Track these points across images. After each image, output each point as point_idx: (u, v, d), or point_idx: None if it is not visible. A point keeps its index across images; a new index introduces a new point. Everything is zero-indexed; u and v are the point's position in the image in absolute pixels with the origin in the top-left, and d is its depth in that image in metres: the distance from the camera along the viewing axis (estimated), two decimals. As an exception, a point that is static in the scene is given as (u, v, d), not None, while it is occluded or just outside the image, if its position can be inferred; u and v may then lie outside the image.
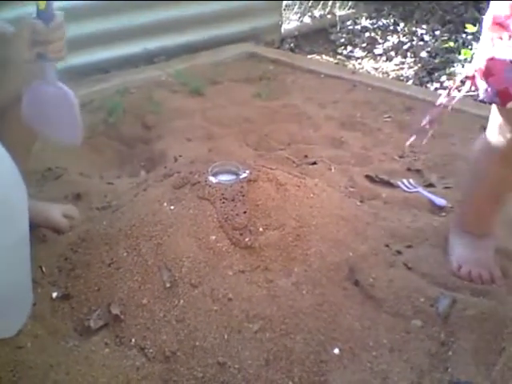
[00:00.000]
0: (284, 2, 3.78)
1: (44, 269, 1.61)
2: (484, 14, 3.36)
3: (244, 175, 1.60)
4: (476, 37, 3.33)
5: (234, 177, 1.62)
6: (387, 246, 1.65)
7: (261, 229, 1.47)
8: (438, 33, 3.77)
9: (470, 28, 3.26)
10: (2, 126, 1.71)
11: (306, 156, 2.19)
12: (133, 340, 1.37)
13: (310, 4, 3.96)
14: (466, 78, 1.45)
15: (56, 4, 2.94)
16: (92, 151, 2.40)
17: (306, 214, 1.57)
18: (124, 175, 2.25)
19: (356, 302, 1.45)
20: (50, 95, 1.45)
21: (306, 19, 3.97)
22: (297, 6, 3.92)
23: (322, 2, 4.01)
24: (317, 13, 4.02)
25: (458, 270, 1.56)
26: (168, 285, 1.43)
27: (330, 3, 4.03)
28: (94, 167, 2.28)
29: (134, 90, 2.80)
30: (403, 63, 3.53)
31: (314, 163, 2.12)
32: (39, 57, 1.35)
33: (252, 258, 1.45)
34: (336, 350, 1.34)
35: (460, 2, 4.07)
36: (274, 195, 1.56)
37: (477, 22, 3.46)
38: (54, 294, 1.52)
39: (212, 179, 1.59)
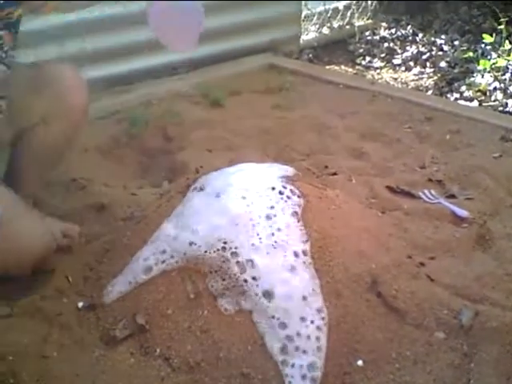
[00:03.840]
0: (303, 13, 3.80)
1: (70, 279, 1.64)
2: (502, 24, 3.36)
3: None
4: (494, 47, 3.32)
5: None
6: (410, 257, 1.65)
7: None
8: (456, 43, 3.76)
9: (488, 38, 3.25)
10: (21, 147, 1.75)
11: (326, 167, 2.21)
12: (158, 350, 1.39)
13: (328, 15, 3.98)
14: None
15: (81, 16, 3.00)
16: (115, 162, 2.45)
17: (327, 225, 1.57)
18: (147, 185, 2.28)
19: (379, 313, 1.45)
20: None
21: (325, 30, 3.99)
22: (316, 17, 3.94)
23: (340, 13, 4.03)
24: (335, 24, 4.04)
25: None
26: (192, 296, 1.44)
27: (348, 14, 4.05)
28: (117, 178, 2.32)
29: (156, 101, 2.85)
30: (422, 73, 3.53)
31: (335, 174, 2.13)
32: None
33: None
34: (359, 362, 1.35)
35: (479, 12, 4.06)
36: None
37: (495, 31, 3.46)
38: (80, 304, 1.55)
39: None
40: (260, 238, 1.46)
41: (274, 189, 1.56)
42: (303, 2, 3.76)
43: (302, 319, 1.37)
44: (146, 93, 2.95)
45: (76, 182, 2.15)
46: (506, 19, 3.31)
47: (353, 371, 1.33)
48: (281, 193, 1.55)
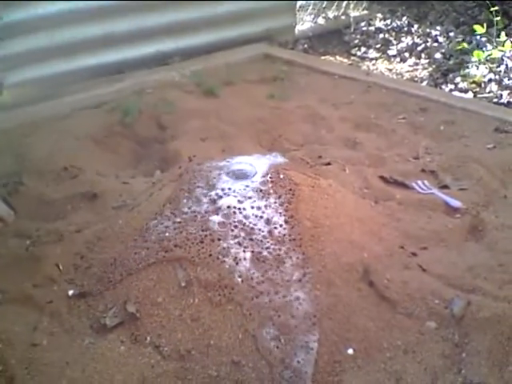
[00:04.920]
0: (298, 3, 3.78)
1: (60, 267, 1.63)
2: (497, 16, 3.34)
3: (257, 176, 1.60)
4: (489, 39, 3.31)
5: (247, 177, 1.63)
6: (402, 247, 1.65)
7: (276, 231, 1.48)
8: (452, 34, 3.75)
9: (479, 29, 3.23)
10: None
11: (320, 157, 2.19)
12: (148, 338, 1.38)
13: (323, 5, 3.96)
14: None
15: (72, 4, 2.99)
16: (108, 150, 2.43)
17: (320, 214, 1.57)
18: (139, 174, 2.27)
19: (370, 302, 1.45)
20: None
21: (320, 20, 3.97)
22: (311, 7, 3.92)
23: (336, 3, 4.01)
24: (331, 14, 4.02)
25: None
26: (183, 284, 1.44)
27: (343, 4, 4.02)
28: (110, 166, 2.30)
29: (149, 90, 2.82)
30: (417, 64, 3.52)
31: (328, 164, 2.12)
32: None
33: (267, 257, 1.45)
34: (350, 351, 1.35)
35: (474, 4, 4.05)
36: (288, 196, 1.56)
37: (490, 23, 3.45)
38: (71, 292, 1.54)
39: (228, 179, 1.60)
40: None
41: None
42: (298, -8, 3.74)
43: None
44: (138, 82, 2.92)
45: (68, 171, 2.14)
46: (501, 11, 3.28)
47: (343, 359, 1.33)
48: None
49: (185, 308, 1.41)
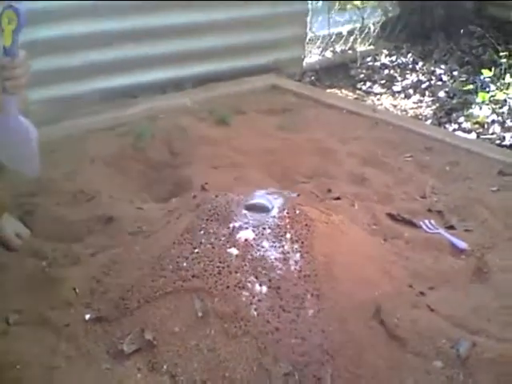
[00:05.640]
0: (307, 37, 3.87)
1: (77, 290, 1.66)
2: (502, 57, 3.44)
3: (275, 211, 1.66)
4: (493, 79, 3.41)
5: (264, 212, 1.68)
6: (410, 286, 1.70)
7: (292, 266, 1.53)
8: (456, 73, 3.86)
9: (486, 73, 3.34)
10: None
11: (329, 190, 2.25)
12: (165, 366, 1.41)
13: (332, 39, 4.06)
14: None
15: (86, 28, 3.06)
16: (120, 174, 2.47)
17: (334, 251, 1.62)
18: (150, 199, 2.31)
19: (381, 341, 1.49)
20: (11, 128, 1.54)
21: (328, 54, 4.07)
22: (319, 41, 4.02)
23: (344, 38, 4.11)
24: (338, 48, 4.12)
25: None
26: (200, 314, 1.48)
27: (351, 39, 4.13)
28: (123, 190, 2.34)
29: (161, 115, 2.88)
30: (421, 102, 3.62)
31: (338, 198, 2.18)
32: (4, 90, 1.44)
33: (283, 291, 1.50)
34: (362, 388, 1.39)
35: (478, 43, 4.17)
36: (304, 232, 1.62)
37: (494, 63, 3.56)
38: (87, 316, 1.57)
39: (245, 213, 1.65)
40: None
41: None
42: (308, 26, 3.83)
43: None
44: (151, 107, 2.98)
45: (83, 193, 2.18)
46: (506, 53, 3.39)
47: (355, 396, 1.37)
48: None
49: (201, 338, 1.44)
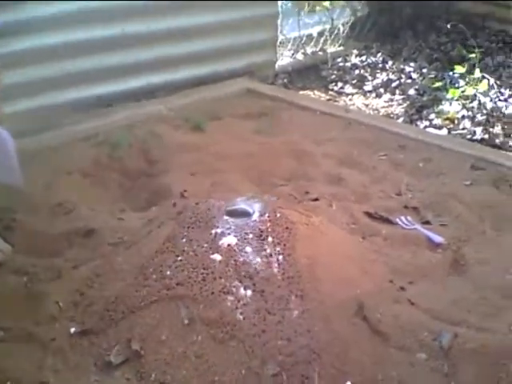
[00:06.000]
0: (279, 39, 3.91)
1: (60, 304, 1.66)
2: (471, 52, 3.50)
3: (256, 215, 1.68)
4: (462, 75, 3.48)
5: (245, 217, 1.70)
6: (391, 281, 1.74)
7: (275, 269, 1.55)
8: (425, 70, 3.93)
9: (458, 69, 3.41)
10: None
11: (307, 192, 2.28)
12: (153, 375, 1.43)
13: (302, 41, 4.11)
14: None
15: (58, 39, 3.04)
16: (98, 184, 2.46)
17: (315, 252, 1.65)
18: (129, 209, 2.31)
19: (365, 337, 1.53)
20: None
21: (299, 56, 4.11)
22: (290, 43, 4.06)
23: (314, 40, 4.16)
24: (309, 50, 4.16)
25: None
26: (186, 321, 1.49)
27: (321, 40, 4.18)
28: (101, 201, 2.34)
29: (137, 124, 2.88)
30: (392, 100, 3.67)
31: (316, 199, 2.21)
32: None
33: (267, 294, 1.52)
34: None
35: (447, 40, 4.26)
36: (286, 235, 1.64)
37: (463, 59, 3.63)
38: (72, 330, 1.57)
39: (227, 218, 1.67)
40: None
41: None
42: (279, 28, 3.86)
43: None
44: (126, 115, 2.98)
45: (61, 206, 2.17)
46: (478, 48, 3.45)
47: (342, 393, 1.40)
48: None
49: (188, 345, 1.46)
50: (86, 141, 2.76)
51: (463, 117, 3.17)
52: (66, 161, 2.56)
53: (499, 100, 3.37)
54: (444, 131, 3.07)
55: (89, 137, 2.78)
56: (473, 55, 3.46)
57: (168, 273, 1.58)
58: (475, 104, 3.27)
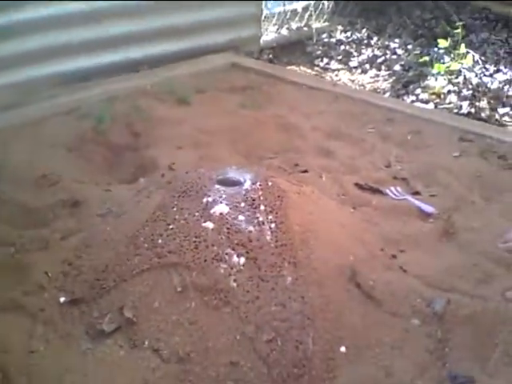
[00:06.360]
0: (263, 14, 3.86)
1: (49, 274, 1.63)
2: (455, 28, 3.50)
3: (247, 184, 1.66)
4: (448, 50, 3.48)
5: (236, 185, 1.68)
6: (382, 250, 1.74)
7: (268, 236, 1.54)
8: (410, 47, 3.92)
9: (442, 43, 3.41)
10: None
11: (296, 165, 2.27)
12: (146, 342, 1.41)
13: (287, 16, 4.06)
14: None
15: (37, 12, 2.96)
16: (82, 158, 2.42)
17: (307, 220, 1.64)
18: (115, 182, 2.27)
19: (358, 302, 1.53)
20: None
21: (284, 31, 4.06)
22: (275, 18, 4.01)
23: (299, 15, 4.12)
24: (294, 25, 4.12)
25: (502, 243, 1.73)
26: (179, 289, 1.47)
27: (306, 16, 4.14)
28: (86, 174, 2.29)
29: (120, 98, 2.82)
30: (378, 76, 3.66)
31: (305, 171, 2.20)
32: None
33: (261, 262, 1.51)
34: (343, 348, 1.42)
35: (431, 16, 4.25)
36: (278, 203, 1.63)
37: (447, 35, 3.63)
38: (62, 299, 1.55)
39: (218, 187, 1.65)
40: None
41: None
42: (263, 3, 3.81)
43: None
44: (108, 89, 2.91)
45: (46, 178, 2.12)
46: (462, 23, 3.46)
47: (337, 357, 1.40)
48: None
49: (182, 312, 1.44)
50: (69, 115, 2.70)
51: (449, 91, 3.17)
52: (48, 134, 2.50)
53: (484, 75, 3.38)
54: (431, 106, 3.08)
55: (71, 110, 2.72)
56: (457, 31, 3.46)
57: (159, 241, 1.56)
58: (461, 79, 3.28)
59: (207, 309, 1.44)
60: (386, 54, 3.91)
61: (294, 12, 4.14)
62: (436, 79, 3.29)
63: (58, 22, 2.90)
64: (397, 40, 4.05)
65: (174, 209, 1.64)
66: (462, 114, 2.91)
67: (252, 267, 1.49)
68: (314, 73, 3.70)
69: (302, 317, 1.43)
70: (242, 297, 1.45)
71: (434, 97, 3.14)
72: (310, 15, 4.17)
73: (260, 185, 1.67)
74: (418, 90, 3.27)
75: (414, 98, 3.20)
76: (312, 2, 4.17)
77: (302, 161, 2.30)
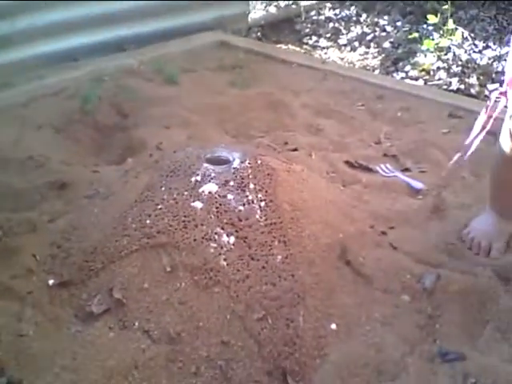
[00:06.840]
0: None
1: (37, 257, 1.61)
2: (444, 5, 3.47)
3: (236, 162, 1.64)
4: (437, 27, 3.45)
5: (225, 164, 1.66)
6: (372, 227, 1.74)
7: (258, 215, 1.52)
8: (399, 24, 3.89)
9: (432, 19, 3.38)
10: None
11: (286, 143, 2.25)
12: (136, 323, 1.40)
13: (275, -6, 4.02)
14: (501, 94, 1.52)
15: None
16: (69, 139, 2.39)
17: (297, 198, 1.63)
18: (103, 163, 2.25)
19: (348, 280, 1.53)
20: None
21: (272, 9, 4.02)
22: (263, -4, 3.97)
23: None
24: (282, 3, 4.07)
25: (465, 235, 1.71)
26: (168, 269, 1.46)
27: (294, -7, 4.10)
28: (74, 155, 2.27)
29: (107, 77, 2.78)
30: (367, 53, 3.63)
31: (295, 150, 2.19)
32: None
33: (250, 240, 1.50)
34: (333, 326, 1.42)
35: (419, -7, 4.21)
36: (267, 181, 1.61)
37: (437, 12, 3.60)
38: (51, 282, 1.53)
39: (206, 166, 1.63)
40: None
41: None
42: (251, -20, 3.77)
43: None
44: (95, 69, 2.87)
45: (33, 160, 2.09)
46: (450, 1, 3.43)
47: (327, 334, 1.40)
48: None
49: (171, 292, 1.43)
50: (55, 95, 2.66)
51: (438, 68, 3.16)
52: (35, 115, 2.47)
53: (473, 52, 3.36)
54: (420, 82, 3.06)
55: (58, 91, 2.68)
56: (445, 7, 3.43)
57: (148, 221, 1.54)
58: (450, 56, 3.26)
59: (197, 288, 1.43)
60: (375, 31, 3.87)
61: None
62: (425, 56, 3.27)
63: (44, 2, 2.84)
64: (386, 17, 4.01)
65: (163, 188, 1.62)
66: (452, 91, 2.89)
67: (242, 246, 1.48)
68: (303, 51, 3.67)
69: (293, 295, 1.43)
70: (232, 276, 1.44)
71: (423, 73, 3.12)
72: (298, -8, 4.12)
73: (249, 163, 1.65)
74: (408, 67, 3.24)
75: (403, 74, 3.18)
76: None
77: (292, 139, 2.28)
